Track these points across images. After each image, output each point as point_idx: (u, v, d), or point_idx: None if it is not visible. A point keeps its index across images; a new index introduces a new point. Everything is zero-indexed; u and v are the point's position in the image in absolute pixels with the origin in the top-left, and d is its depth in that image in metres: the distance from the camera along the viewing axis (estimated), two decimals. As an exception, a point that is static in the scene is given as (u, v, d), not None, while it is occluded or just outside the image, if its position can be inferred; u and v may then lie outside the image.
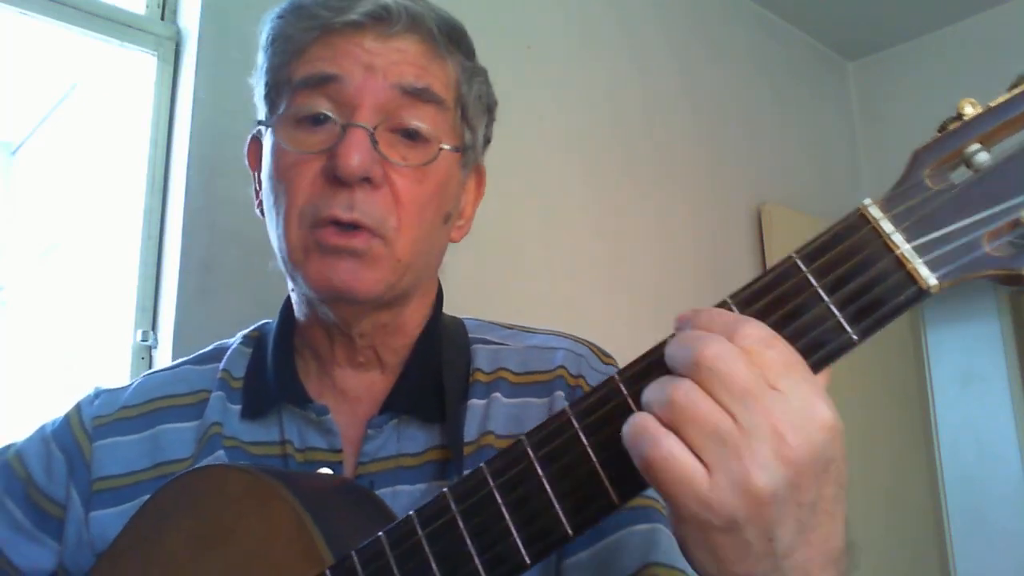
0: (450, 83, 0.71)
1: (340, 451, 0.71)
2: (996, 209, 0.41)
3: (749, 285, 0.44)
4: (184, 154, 1.43)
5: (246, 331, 0.81)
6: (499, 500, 0.47)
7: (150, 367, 1.41)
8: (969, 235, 0.41)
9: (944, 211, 0.42)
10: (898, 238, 0.42)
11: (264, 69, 0.72)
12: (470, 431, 0.71)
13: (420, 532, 0.49)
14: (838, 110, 3.25)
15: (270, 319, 0.81)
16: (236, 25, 1.50)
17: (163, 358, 1.38)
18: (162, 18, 1.53)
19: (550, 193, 2.06)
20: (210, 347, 0.81)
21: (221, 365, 0.77)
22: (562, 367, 0.74)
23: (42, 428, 0.76)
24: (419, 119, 0.68)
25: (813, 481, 0.40)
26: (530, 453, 0.47)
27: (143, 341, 1.40)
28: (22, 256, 2.43)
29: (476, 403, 0.73)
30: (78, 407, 0.77)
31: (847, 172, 3.21)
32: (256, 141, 0.77)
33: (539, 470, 0.46)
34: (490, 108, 0.78)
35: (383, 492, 0.68)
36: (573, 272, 2.06)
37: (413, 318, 0.75)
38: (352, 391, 0.74)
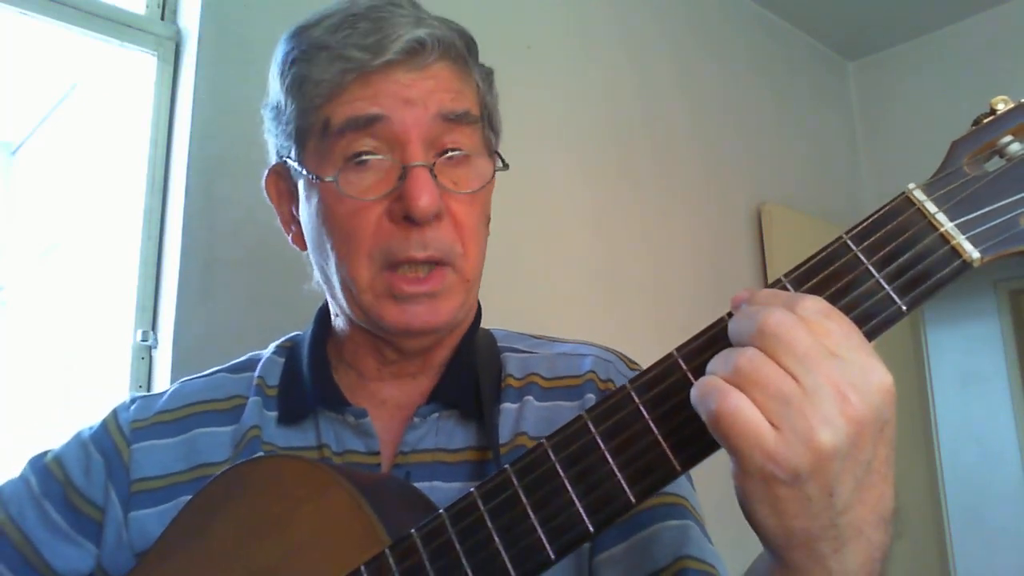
0: (478, 98, 0.74)
1: (378, 453, 0.72)
2: None
3: (801, 265, 0.48)
4: (184, 154, 1.43)
5: (278, 342, 0.83)
6: (561, 473, 0.49)
7: (150, 367, 1.41)
8: (1006, 214, 0.45)
9: (982, 194, 0.46)
10: (942, 217, 0.46)
11: (291, 109, 0.71)
12: (504, 432, 0.73)
13: (482, 507, 0.51)
14: (838, 110, 3.25)
15: (299, 331, 0.83)
16: (236, 25, 1.50)
17: (163, 358, 1.38)
18: (162, 18, 1.53)
19: (550, 193, 2.06)
20: (243, 357, 0.83)
21: (256, 373, 0.79)
22: (592, 371, 0.77)
23: (79, 434, 0.77)
24: (461, 142, 0.70)
25: (871, 440, 0.43)
26: (591, 427, 0.49)
27: (143, 341, 1.41)
28: (22, 256, 2.43)
29: (509, 407, 0.75)
30: (114, 412, 0.78)
31: (847, 172, 3.21)
32: (278, 175, 0.77)
33: (600, 443, 0.49)
34: (497, 102, 0.81)
35: (419, 487, 0.69)
36: (573, 272, 2.06)
37: (462, 327, 0.79)
38: (392, 399, 0.76)
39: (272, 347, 0.83)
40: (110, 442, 0.75)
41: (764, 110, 2.85)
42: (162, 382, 1.36)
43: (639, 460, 0.48)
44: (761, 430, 0.42)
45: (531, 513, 0.50)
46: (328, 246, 0.71)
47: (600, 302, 2.08)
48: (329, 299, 0.78)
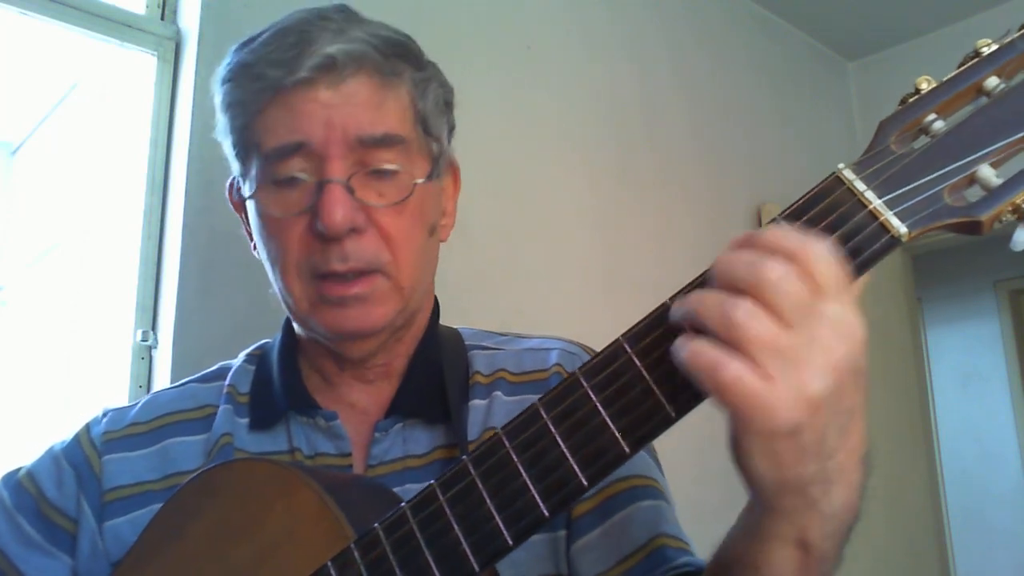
0: (406, 110, 0.72)
1: (349, 455, 0.73)
2: (953, 166, 0.47)
3: (693, 282, 0.49)
4: (184, 154, 1.43)
5: (248, 350, 0.85)
6: (515, 459, 0.50)
7: (150, 367, 1.41)
8: (932, 189, 0.47)
9: (909, 170, 0.48)
10: (870, 195, 0.47)
11: (228, 130, 0.73)
12: (473, 429, 0.74)
13: (440, 497, 0.52)
14: (838, 110, 3.25)
15: (268, 339, 0.84)
16: (236, 25, 1.50)
17: (163, 358, 1.38)
18: (162, 18, 1.53)
19: (550, 193, 2.06)
20: (213, 367, 0.84)
21: (226, 381, 0.80)
22: (558, 364, 0.78)
23: (51, 449, 0.78)
24: (386, 161, 0.70)
25: (852, 388, 0.45)
26: (543, 413, 0.50)
27: (143, 341, 1.41)
28: (22, 256, 2.43)
29: (478, 403, 0.76)
30: (87, 426, 0.79)
31: (847, 172, 3.21)
32: (237, 187, 0.79)
33: (552, 428, 0.50)
34: (448, 102, 0.79)
35: None
36: (573, 272, 2.06)
37: (415, 331, 0.79)
38: (360, 403, 0.77)
39: (242, 356, 0.84)
40: (81, 454, 0.76)
41: (764, 110, 2.85)
42: (162, 382, 1.36)
43: (590, 444, 0.48)
44: (763, 393, 0.42)
45: (488, 499, 0.50)
46: (267, 256, 0.73)
47: (600, 302, 2.08)
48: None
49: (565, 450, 0.49)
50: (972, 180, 0.47)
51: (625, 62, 2.36)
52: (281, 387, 0.76)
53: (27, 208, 2.57)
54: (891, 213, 0.47)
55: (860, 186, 0.47)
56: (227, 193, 0.81)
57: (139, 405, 0.80)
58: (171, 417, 0.78)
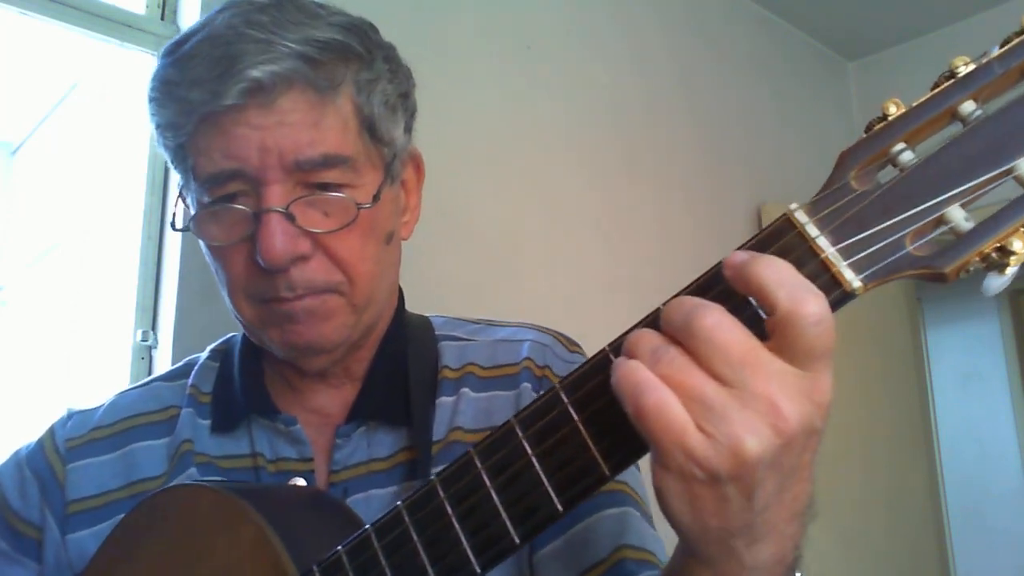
0: (348, 122, 0.66)
1: (311, 460, 0.71)
2: (919, 208, 0.41)
3: (687, 288, 0.45)
4: (184, 154, 1.43)
5: (214, 344, 0.82)
6: (487, 482, 0.47)
7: (150, 367, 1.41)
8: (893, 235, 0.41)
9: (868, 212, 0.42)
10: (823, 242, 0.42)
11: (162, 147, 0.69)
12: (439, 430, 0.72)
13: (407, 519, 0.50)
14: (838, 110, 3.25)
15: (236, 332, 0.81)
16: (236, 25, 1.50)
17: (163, 358, 1.38)
18: (162, 18, 1.53)
19: (550, 193, 2.06)
20: (181, 363, 0.82)
21: (190, 380, 0.78)
22: (528, 359, 0.75)
23: (16, 453, 0.76)
24: (329, 179, 0.65)
25: (798, 450, 0.41)
26: (518, 432, 0.47)
27: (143, 341, 1.40)
28: (22, 256, 2.43)
29: (445, 400, 0.73)
30: (51, 430, 0.77)
31: (847, 172, 3.21)
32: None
33: (527, 448, 0.46)
34: (403, 93, 0.72)
35: (357, 497, 0.68)
36: (573, 272, 2.06)
37: (375, 335, 0.76)
38: (323, 407, 0.74)
39: (208, 350, 0.81)
40: (45, 462, 0.74)
41: (764, 110, 2.85)
42: (162, 382, 1.36)
43: (567, 466, 0.45)
44: (686, 429, 0.40)
45: (456, 524, 0.48)
46: (216, 277, 0.70)
47: (600, 302, 2.08)
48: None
49: (541, 473, 0.46)
50: (940, 223, 0.41)
51: (625, 62, 2.36)
52: (241, 389, 0.74)
53: (27, 208, 2.57)
54: (844, 264, 0.42)
55: (812, 231, 0.42)
56: (175, 201, 0.76)
57: (104, 407, 0.78)
58: (135, 420, 0.76)
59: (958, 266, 0.41)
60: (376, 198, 0.67)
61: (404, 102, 0.72)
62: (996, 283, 0.42)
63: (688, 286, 0.45)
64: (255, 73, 0.61)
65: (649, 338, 0.43)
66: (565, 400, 0.46)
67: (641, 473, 0.73)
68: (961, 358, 4.42)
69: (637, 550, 0.67)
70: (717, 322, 0.40)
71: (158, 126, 0.67)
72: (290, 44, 0.62)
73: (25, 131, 2.66)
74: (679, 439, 0.40)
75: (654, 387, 0.41)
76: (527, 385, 0.73)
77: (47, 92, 2.33)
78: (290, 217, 0.63)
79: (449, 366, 0.76)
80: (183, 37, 0.65)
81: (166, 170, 1.48)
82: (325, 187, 0.65)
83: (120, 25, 1.45)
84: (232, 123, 0.62)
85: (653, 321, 0.45)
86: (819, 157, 3.05)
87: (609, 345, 0.46)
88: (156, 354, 1.41)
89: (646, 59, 2.42)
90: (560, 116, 2.12)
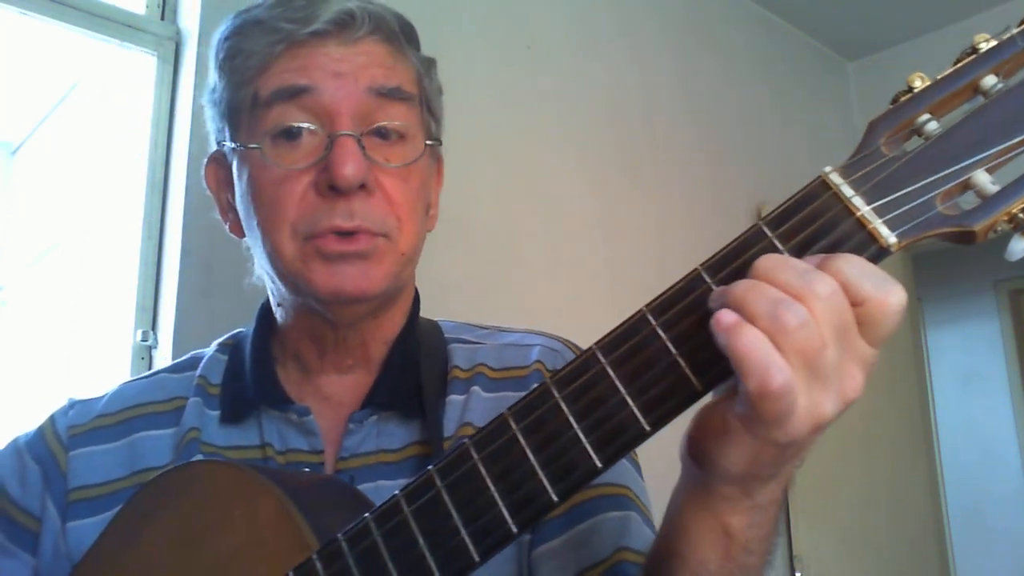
0: (414, 79, 0.72)
1: (321, 452, 0.71)
2: (947, 171, 0.44)
3: (721, 251, 0.46)
4: (184, 154, 1.43)
5: (221, 339, 0.81)
6: (483, 472, 0.48)
7: (150, 367, 1.41)
8: (923, 196, 0.44)
9: (899, 175, 0.44)
10: (858, 201, 0.44)
11: (223, 87, 0.70)
12: (448, 426, 0.72)
13: (405, 509, 0.50)
14: (838, 110, 3.25)
15: (243, 327, 0.81)
16: (236, 25, 1.50)
17: (163, 358, 1.38)
18: (162, 18, 1.53)
19: (550, 193, 2.06)
20: (185, 356, 0.81)
21: (197, 372, 0.77)
22: (539, 361, 0.76)
23: (14, 441, 0.75)
24: (394, 118, 0.68)
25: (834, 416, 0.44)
26: (512, 424, 0.48)
27: (143, 341, 1.41)
28: (22, 256, 2.43)
29: (455, 399, 0.74)
30: (52, 419, 0.76)
31: (847, 172, 3.21)
32: (216, 163, 0.76)
33: (521, 439, 0.47)
34: (440, 94, 0.78)
35: (364, 487, 0.68)
36: (573, 272, 2.06)
37: (396, 315, 0.76)
38: (335, 395, 0.74)
39: (215, 345, 0.80)
40: (46, 449, 0.73)
41: (764, 110, 2.85)
42: (162, 382, 1.37)
43: (561, 457, 0.46)
44: (800, 410, 0.41)
45: (454, 513, 0.48)
46: (255, 221, 0.69)
47: (600, 301, 2.08)
48: (268, 285, 0.76)
49: (535, 464, 0.46)
50: (966, 186, 0.44)
51: (625, 62, 2.36)
52: (253, 379, 0.73)
53: (27, 208, 2.57)
54: (880, 221, 0.44)
55: (847, 191, 0.44)
56: (203, 172, 0.77)
57: (107, 397, 0.77)
58: (140, 409, 0.74)
59: (987, 225, 0.43)
60: (431, 144, 0.72)
61: (440, 100, 0.78)
62: (1021, 246, 0.44)
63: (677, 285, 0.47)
64: (349, 5, 0.67)
65: (766, 291, 0.42)
66: (602, 360, 0.46)
67: (644, 480, 0.75)
68: (961, 358, 4.42)
69: (637, 553, 0.67)
70: (834, 290, 0.41)
71: (231, 57, 0.69)
72: (377, 4, 0.70)
73: (25, 131, 2.66)
74: (790, 414, 0.41)
75: (781, 366, 0.40)
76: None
77: (47, 92, 2.33)
78: (362, 146, 0.66)
79: (460, 366, 0.76)
80: (258, 2, 0.70)
81: (166, 170, 1.48)
82: (386, 135, 0.68)
83: (120, 25, 1.45)
84: (313, 51, 0.66)
85: (691, 284, 0.46)
86: (819, 157, 3.04)
87: (648, 309, 0.46)
88: (156, 354, 1.41)
89: (646, 59, 2.42)
90: (560, 115, 2.12)
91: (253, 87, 0.68)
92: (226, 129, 0.71)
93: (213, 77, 0.72)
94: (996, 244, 0.47)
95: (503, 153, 1.96)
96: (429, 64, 0.75)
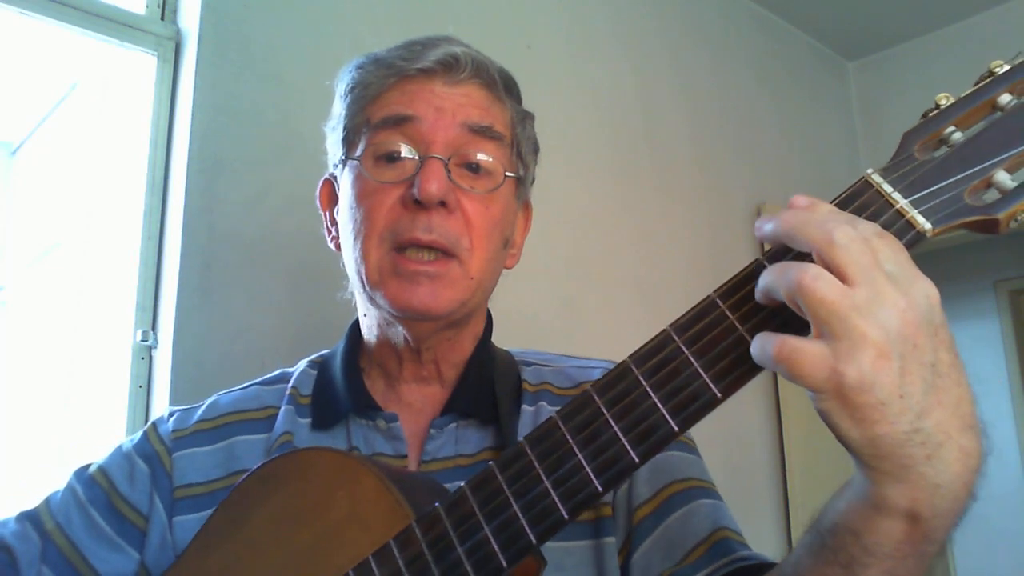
0: (507, 123, 0.81)
1: (404, 456, 0.78)
2: (972, 170, 0.52)
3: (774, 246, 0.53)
4: (184, 154, 1.43)
5: (309, 358, 0.89)
6: (569, 440, 0.54)
7: (150, 367, 1.41)
8: (953, 190, 0.52)
9: (931, 174, 0.53)
10: (897, 196, 0.53)
11: (343, 115, 0.81)
12: (522, 432, 0.78)
13: (499, 475, 0.56)
14: (838, 110, 3.25)
15: (326, 349, 0.89)
16: (236, 25, 1.50)
17: (163, 358, 1.38)
18: (162, 18, 1.53)
19: (549, 193, 2.06)
20: (275, 372, 0.89)
21: (289, 384, 0.85)
22: None
23: (119, 447, 0.82)
24: (483, 152, 0.77)
25: (927, 341, 0.46)
26: (595, 398, 0.54)
27: (143, 341, 1.41)
28: (22, 256, 2.43)
29: (526, 408, 0.81)
30: (153, 425, 0.83)
31: (847, 172, 3.21)
32: (328, 183, 0.86)
33: (604, 410, 0.54)
34: (536, 150, 0.89)
35: None
36: (572, 272, 2.06)
37: (469, 336, 0.83)
38: (416, 403, 0.81)
39: (304, 362, 0.88)
40: (152, 450, 0.80)
41: (763, 110, 2.85)
42: (162, 382, 1.36)
43: (641, 423, 0.53)
44: (817, 360, 0.45)
45: (544, 478, 0.54)
46: (351, 228, 0.77)
47: (599, 301, 2.09)
48: (356, 298, 0.84)
49: (617, 430, 0.53)
50: (989, 183, 0.52)
51: (625, 62, 2.36)
52: (345, 390, 0.80)
53: (27, 208, 2.57)
54: (916, 212, 0.51)
55: (887, 188, 0.53)
56: (318, 191, 0.87)
57: (203, 406, 0.84)
58: (236, 416, 0.82)
59: (1009, 214, 0.51)
60: (515, 178, 0.81)
61: (535, 160, 0.89)
62: None
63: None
64: (455, 49, 0.77)
65: (781, 268, 0.49)
66: (676, 339, 0.53)
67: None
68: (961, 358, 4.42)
69: (735, 533, 0.74)
70: (848, 234, 0.47)
71: (352, 89, 0.80)
72: (483, 55, 0.80)
73: (25, 131, 2.66)
74: (818, 368, 0.45)
75: (784, 338, 0.47)
76: None
77: (47, 92, 2.33)
78: (447, 170, 0.75)
79: (528, 381, 0.84)
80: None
81: (166, 170, 1.48)
82: (475, 168, 0.77)
83: (120, 25, 1.45)
84: (419, 87, 0.77)
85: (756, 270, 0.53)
86: (819, 157, 3.05)
87: (717, 294, 0.53)
88: (156, 354, 1.41)
89: (645, 59, 2.43)
90: (559, 116, 2.12)
91: (367, 114, 0.78)
92: (341, 150, 0.81)
93: (337, 106, 0.82)
94: (997, 244, 0.49)
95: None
96: (525, 115, 0.86)
